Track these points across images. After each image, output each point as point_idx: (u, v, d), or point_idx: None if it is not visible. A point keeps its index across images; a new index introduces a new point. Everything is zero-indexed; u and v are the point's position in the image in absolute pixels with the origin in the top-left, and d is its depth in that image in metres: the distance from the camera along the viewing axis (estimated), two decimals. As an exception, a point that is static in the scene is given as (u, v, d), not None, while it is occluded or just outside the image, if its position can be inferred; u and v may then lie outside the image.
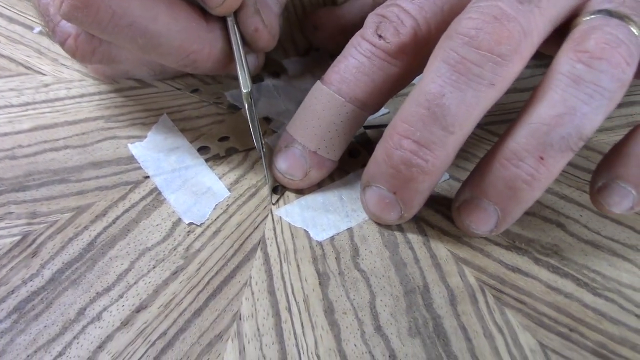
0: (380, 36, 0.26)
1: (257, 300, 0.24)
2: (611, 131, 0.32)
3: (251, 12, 0.28)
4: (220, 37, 0.29)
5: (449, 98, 0.23)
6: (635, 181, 0.24)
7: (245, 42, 0.29)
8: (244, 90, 0.28)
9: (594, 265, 0.26)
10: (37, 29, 0.39)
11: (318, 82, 0.27)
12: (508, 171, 0.23)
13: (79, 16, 0.25)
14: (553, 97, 0.22)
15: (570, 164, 0.30)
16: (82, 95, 0.34)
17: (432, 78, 0.23)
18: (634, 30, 0.23)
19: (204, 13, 0.28)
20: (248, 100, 0.28)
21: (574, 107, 0.22)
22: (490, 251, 0.26)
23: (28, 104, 0.33)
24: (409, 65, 0.26)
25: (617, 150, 0.24)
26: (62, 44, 0.29)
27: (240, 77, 0.28)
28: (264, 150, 0.29)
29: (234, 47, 0.28)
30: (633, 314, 0.24)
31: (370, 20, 0.27)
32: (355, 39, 0.27)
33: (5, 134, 0.31)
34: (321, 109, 0.27)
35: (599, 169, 0.25)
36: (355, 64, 0.26)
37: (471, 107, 0.23)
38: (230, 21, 0.28)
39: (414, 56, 0.26)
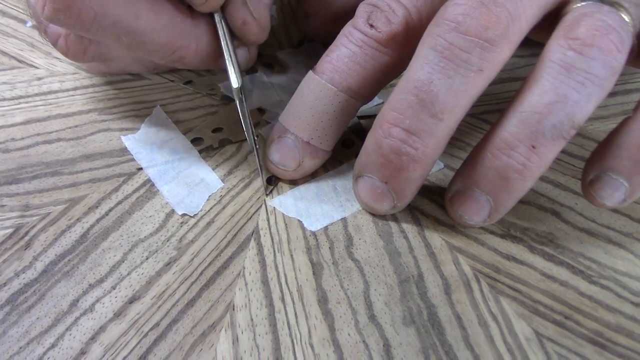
0: (371, 25, 0.26)
1: (251, 290, 0.24)
2: (606, 119, 0.32)
3: (239, 5, 0.28)
4: (207, 32, 0.29)
5: (437, 85, 0.22)
6: (626, 173, 0.23)
7: (234, 35, 0.29)
8: (234, 87, 0.27)
9: (590, 253, 0.26)
10: (30, 22, 0.39)
11: (310, 71, 0.27)
12: (500, 161, 0.23)
13: (61, 18, 0.25)
14: (544, 85, 0.22)
15: (565, 152, 0.30)
16: (75, 88, 0.34)
17: (420, 65, 0.23)
18: (625, 17, 0.23)
19: (190, 8, 0.28)
20: (239, 95, 0.28)
21: (565, 94, 0.22)
22: (485, 240, 0.26)
23: (21, 97, 0.33)
24: (400, 54, 0.26)
25: (608, 142, 0.24)
26: (54, 45, 0.29)
27: (230, 73, 0.28)
28: (257, 146, 0.28)
29: (222, 42, 0.28)
30: (629, 302, 0.24)
31: (362, 9, 0.26)
32: (347, 29, 0.27)
33: (-2, 127, 0.31)
34: (313, 98, 0.27)
35: (590, 161, 0.25)
36: (347, 53, 0.26)
37: (460, 93, 0.22)
38: (217, 16, 0.28)
39: (405, 45, 0.26)
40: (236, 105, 0.28)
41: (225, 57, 0.28)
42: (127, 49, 0.28)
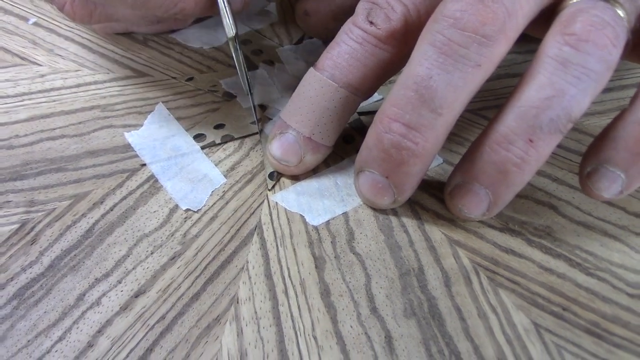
0: (371, 22, 0.26)
1: (254, 284, 0.24)
2: (602, 114, 0.33)
3: None
4: None
5: (437, 80, 0.23)
6: (623, 165, 0.24)
7: None
8: (229, 35, 0.29)
9: (586, 245, 0.26)
10: (32, 19, 0.39)
11: (311, 68, 0.28)
12: (498, 155, 0.23)
13: None
14: (541, 80, 0.23)
15: (561, 146, 0.30)
16: (77, 85, 0.34)
17: (419, 61, 0.23)
18: (620, 12, 0.23)
19: None
20: (233, 43, 0.29)
21: (562, 89, 0.22)
22: (484, 233, 0.27)
23: (24, 94, 0.33)
24: (400, 51, 0.27)
25: (605, 135, 0.24)
26: (61, 10, 0.32)
27: (225, 21, 0.29)
28: (252, 91, 0.31)
29: None
30: (625, 293, 0.24)
31: (361, 6, 0.27)
32: (347, 26, 0.27)
33: (2, 124, 0.31)
34: (315, 94, 0.27)
35: (587, 154, 0.25)
36: (348, 50, 0.26)
37: (459, 88, 0.23)
38: None
39: (405, 42, 0.26)
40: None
41: (220, 6, 0.29)
42: (131, 7, 0.29)
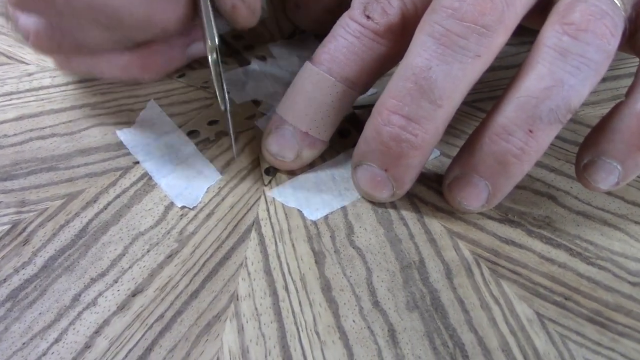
0: (368, 17, 0.26)
1: (254, 280, 0.24)
2: (597, 105, 0.33)
3: None
4: None
5: (436, 71, 0.23)
6: (620, 156, 0.24)
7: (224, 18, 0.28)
8: (209, 44, 0.26)
9: (586, 235, 0.26)
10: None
11: (307, 62, 0.27)
12: (498, 146, 0.23)
13: (31, 4, 0.23)
14: (540, 70, 0.23)
15: (558, 137, 0.30)
16: (67, 84, 0.33)
17: (418, 52, 0.23)
18: (617, 2, 0.23)
19: None
20: (213, 54, 0.26)
21: (561, 79, 0.22)
22: (484, 225, 0.26)
23: (12, 93, 0.33)
24: (397, 45, 0.26)
25: (601, 127, 0.24)
26: (26, 41, 0.27)
27: (207, 30, 0.26)
28: (230, 107, 0.27)
29: (201, 2, 0.26)
30: (626, 281, 0.24)
31: (358, 1, 0.27)
32: (344, 20, 0.27)
33: (-10, 124, 0.31)
34: (312, 89, 0.27)
35: (583, 146, 0.25)
36: (345, 44, 0.26)
37: (458, 79, 0.23)
38: None
39: (402, 35, 0.26)
40: (209, 65, 0.26)
41: (203, 15, 0.26)
42: (106, 31, 0.26)
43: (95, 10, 0.24)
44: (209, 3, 0.26)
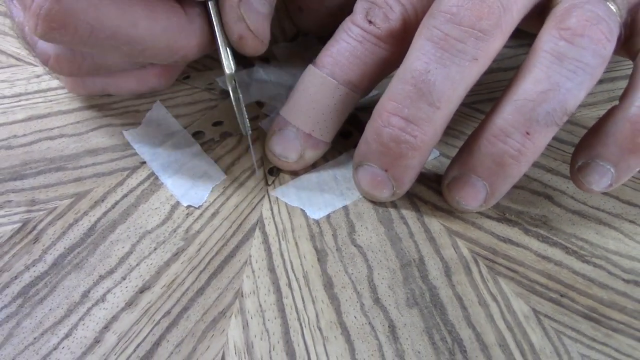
0: (370, 22, 0.27)
1: (258, 277, 0.25)
2: (593, 106, 0.33)
3: (234, 20, 0.27)
4: (202, 24, 0.27)
5: (434, 74, 0.23)
6: (613, 159, 0.24)
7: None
8: (227, 72, 0.27)
9: (582, 234, 0.27)
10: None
11: (310, 65, 0.28)
12: (495, 147, 0.24)
13: (56, 36, 0.23)
14: (537, 74, 0.23)
15: (555, 138, 0.31)
16: (74, 85, 0.34)
17: (417, 55, 0.24)
18: (612, 8, 0.24)
19: (181, 4, 0.27)
20: (232, 82, 0.27)
21: (558, 83, 0.23)
22: (482, 223, 0.27)
23: (21, 94, 0.33)
24: (398, 49, 0.27)
25: (595, 130, 0.25)
26: (45, 64, 0.28)
27: (224, 59, 0.27)
28: (250, 132, 0.28)
29: (216, 31, 0.27)
30: (620, 279, 0.25)
31: (360, 5, 0.27)
32: (346, 24, 0.27)
33: (0, 125, 0.31)
34: (315, 92, 0.27)
35: (578, 148, 0.26)
36: (348, 48, 0.27)
37: (456, 82, 0.23)
38: (210, 3, 0.27)
39: (403, 40, 0.27)
40: (229, 93, 0.27)
41: (219, 44, 0.27)
42: (127, 57, 0.27)
43: (119, 40, 0.25)
44: (224, 33, 0.27)
